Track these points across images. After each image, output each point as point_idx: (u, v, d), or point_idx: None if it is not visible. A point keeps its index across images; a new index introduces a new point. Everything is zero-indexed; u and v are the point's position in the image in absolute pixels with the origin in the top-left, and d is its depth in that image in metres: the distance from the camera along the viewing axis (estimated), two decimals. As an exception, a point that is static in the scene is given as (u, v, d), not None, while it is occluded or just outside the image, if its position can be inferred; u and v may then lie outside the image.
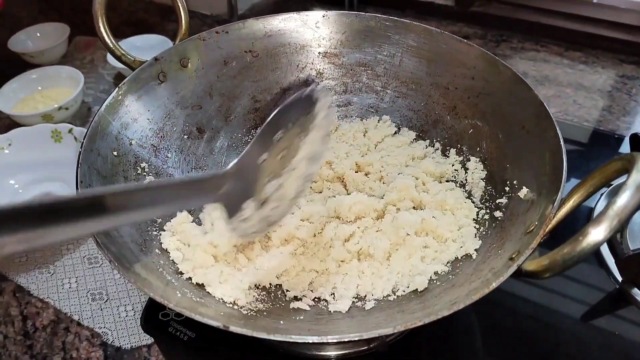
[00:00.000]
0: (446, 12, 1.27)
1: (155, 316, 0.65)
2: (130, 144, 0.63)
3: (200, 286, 0.54)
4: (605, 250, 0.72)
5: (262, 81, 0.77)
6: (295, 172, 0.46)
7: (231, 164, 0.44)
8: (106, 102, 0.61)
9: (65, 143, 0.88)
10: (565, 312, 0.66)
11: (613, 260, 0.70)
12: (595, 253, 0.71)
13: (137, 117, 0.65)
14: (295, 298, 0.56)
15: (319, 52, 0.78)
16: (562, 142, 0.54)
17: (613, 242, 0.72)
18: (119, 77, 1.15)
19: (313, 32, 0.77)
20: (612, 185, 0.77)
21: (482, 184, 0.66)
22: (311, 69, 0.78)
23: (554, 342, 0.63)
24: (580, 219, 0.76)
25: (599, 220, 0.38)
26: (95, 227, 0.34)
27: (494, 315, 0.66)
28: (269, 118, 0.45)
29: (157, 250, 0.56)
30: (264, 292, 0.58)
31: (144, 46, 1.12)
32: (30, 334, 0.70)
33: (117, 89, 0.63)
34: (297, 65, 0.78)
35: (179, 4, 0.72)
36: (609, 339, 0.63)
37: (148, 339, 0.68)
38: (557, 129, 0.55)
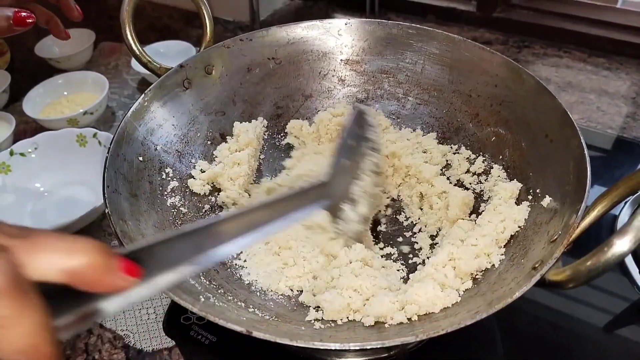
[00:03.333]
0: (468, 17, 1.26)
1: (177, 319, 0.66)
2: (156, 149, 0.64)
3: (223, 292, 0.54)
4: (629, 260, 0.71)
5: (285, 88, 0.78)
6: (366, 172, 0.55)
7: (326, 173, 0.50)
8: (132, 108, 0.62)
9: (90, 147, 0.90)
10: (588, 321, 0.65)
11: (637, 270, 0.69)
12: (618, 262, 0.70)
13: (162, 123, 0.66)
14: (317, 307, 0.57)
15: (341, 60, 0.79)
16: (586, 151, 0.53)
17: (637, 251, 0.71)
18: (142, 83, 1.16)
19: (335, 39, 0.78)
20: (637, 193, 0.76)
21: (505, 192, 0.66)
22: (333, 76, 0.79)
23: (576, 351, 0.63)
24: (604, 227, 0.75)
25: (624, 231, 0.38)
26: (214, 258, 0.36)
27: (515, 324, 0.65)
28: (343, 133, 0.55)
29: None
30: (285, 298, 0.58)
31: (168, 52, 1.14)
32: (54, 335, 0.71)
33: (143, 95, 0.64)
34: (320, 72, 0.79)
35: (204, 12, 0.73)
36: (633, 349, 0.62)
37: (169, 342, 0.69)
38: (581, 137, 0.55)
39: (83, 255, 0.27)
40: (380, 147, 0.56)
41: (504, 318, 0.65)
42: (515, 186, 0.62)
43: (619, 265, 0.71)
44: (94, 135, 0.89)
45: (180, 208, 0.64)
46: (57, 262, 0.27)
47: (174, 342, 0.68)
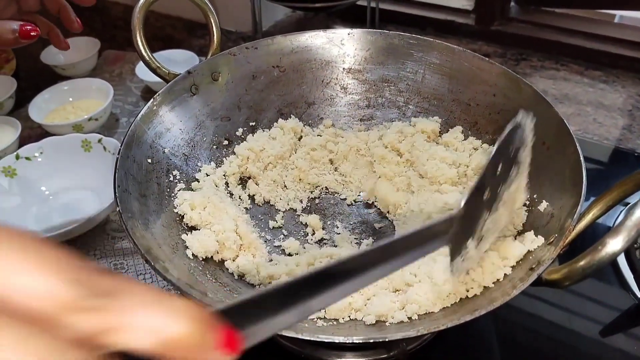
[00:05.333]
0: (466, 30, 1.28)
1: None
2: (164, 152, 0.66)
3: (229, 290, 0.56)
4: (625, 268, 0.72)
5: (288, 95, 0.80)
6: (506, 204, 0.46)
7: (460, 205, 0.42)
8: (142, 112, 0.64)
9: (95, 152, 0.91)
10: (585, 330, 0.66)
11: (632, 276, 0.70)
12: (615, 271, 0.71)
13: (170, 127, 0.68)
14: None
15: (344, 68, 0.81)
16: (582, 158, 0.55)
17: (632, 259, 0.72)
18: (146, 91, 1.18)
19: (338, 48, 0.80)
20: (629, 204, 0.77)
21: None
22: (336, 84, 0.81)
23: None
24: (599, 236, 0.76)
25: (617, 230, 0.39)
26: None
27: (514, 333, 0.66)
28: (491, 155, 0.45)
29: (190, 255, 0.58)
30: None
31: (173, 60, 1.15)
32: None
33: (152, 100, 0.66)
34: (322, 81, 0.81)
35: (212, 21, 0.75)
36: (628, 357, 0.63)
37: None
38: (577, 145, 0.57)
39: (179, 324, 0.22)
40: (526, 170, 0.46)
41: (502, 327, 0.66)
42: None
43: (615, 275, 0.72)
44: (99, 140, 0.91)
45: (187, 210, 0.65)
46: (146, 332, 0.22)
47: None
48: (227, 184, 0.72)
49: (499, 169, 0.44)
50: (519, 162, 0.45)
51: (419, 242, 0.38)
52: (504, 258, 0.54)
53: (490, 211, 0.44)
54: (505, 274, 0.53)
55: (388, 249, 0.36)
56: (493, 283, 0.53)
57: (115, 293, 0.22)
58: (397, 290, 0.56)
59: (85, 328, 0.21)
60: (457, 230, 0.41)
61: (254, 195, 0.72)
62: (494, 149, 0.44)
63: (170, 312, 0.23)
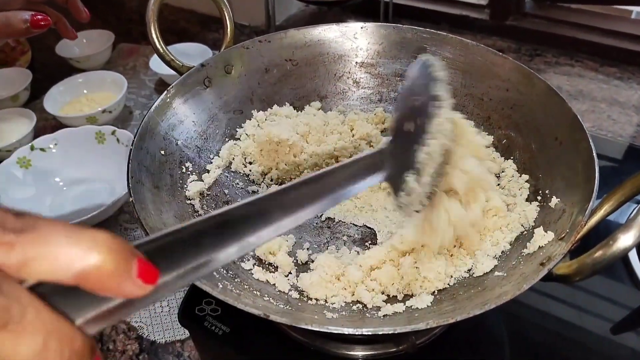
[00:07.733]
0: (481, 25, 1.28)
1: (192, 311, 0.67)
2: (177, 144, 0.67)
3: (240, 281, 0.56)
4: (637, 265, 0.71)
5: (301, 89, 0.80)
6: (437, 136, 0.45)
7: (386, 138, 0.45)
8: (155, 104, 0.65)
9: (108, 144, 0.92)
10: (595, 327, 0.65)
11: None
12: (627, 269, 0.71)
13: (183, 119, 0.68)
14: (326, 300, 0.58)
15: (356, 62, 0.81)
16: (594, 154, 0.55)
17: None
18: (159, 83, 1.19)
19: (351, 42, 0.80)
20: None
21: (515, 192, 0.67)
22: (348, 78, 0.81)
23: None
24: (612, 233, 0.76)
25: (628, 226, 0.39)
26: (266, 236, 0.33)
27: (524, 330, 0.66)
28: (399, 94, 0.48)
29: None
30: (296, 291, 0.60)
31: (185, 54, 1.16)
32: (71, 324, 0.73)
33: (165, 92, 0.67)
34: (335, 74, 0.81)
35: (226, 14, 0.76)
36: (639, 355, 0.63)
37: (182, 334, 0.71)
38: (590, 140, 0.56)
39: (94, 254, 0.23)
40: (449, 104, 0.45)
41: (512, 324, 0.66)
42: (525, 186, 0.64)
43: (627, 272, 0.71)
44: (113, 132, 0.92)
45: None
46: (62, 263, 0.23)
47: (186, 335, 0.70)
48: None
49: (416, 104, 0.45)
50: (435, 96, 0.44)
51: (352, 176, 0.40)
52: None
53: (420, 144, 0.44)
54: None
55: (321, 182, 0.37)
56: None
57: (29, 229, 0.23)
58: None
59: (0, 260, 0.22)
60: (391, 165, 0.43)
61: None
62: (406, 85, 0.47)
63: (86, 243, 0.23)
